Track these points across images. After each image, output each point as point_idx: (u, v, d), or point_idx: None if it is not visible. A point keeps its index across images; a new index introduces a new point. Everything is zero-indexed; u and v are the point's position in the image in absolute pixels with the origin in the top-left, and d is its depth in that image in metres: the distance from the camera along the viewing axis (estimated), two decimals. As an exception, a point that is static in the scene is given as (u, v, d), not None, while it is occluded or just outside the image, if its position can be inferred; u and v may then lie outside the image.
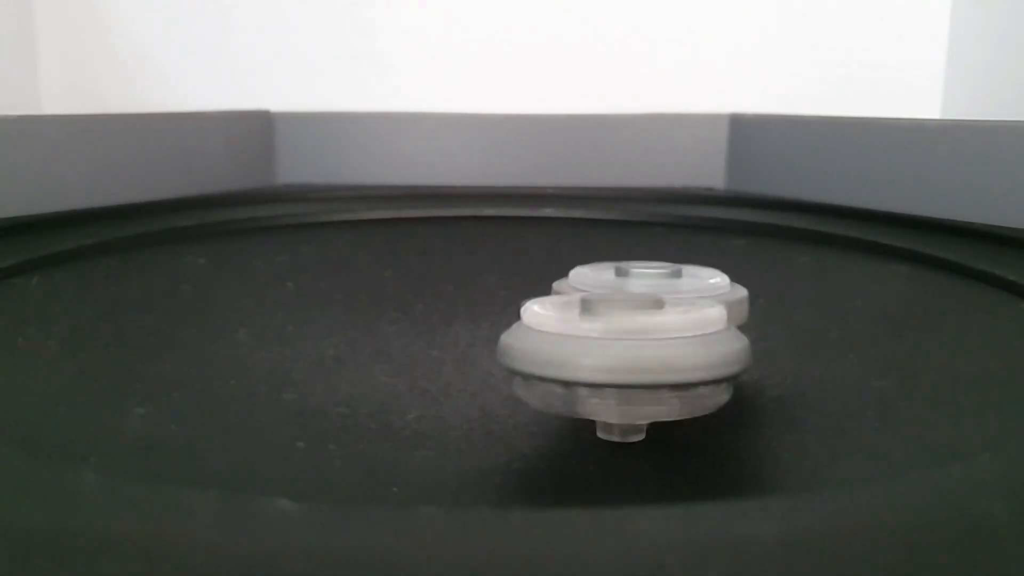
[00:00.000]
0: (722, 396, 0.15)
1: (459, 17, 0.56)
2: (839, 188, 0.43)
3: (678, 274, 0.19)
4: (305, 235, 0.38)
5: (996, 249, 0.34)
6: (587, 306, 0.15)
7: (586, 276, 0.19)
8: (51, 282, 0.29)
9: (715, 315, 0.15)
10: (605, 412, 0.14)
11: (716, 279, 0.19)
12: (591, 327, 0.14)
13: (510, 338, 0.15)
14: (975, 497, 0.12)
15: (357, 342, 0.24)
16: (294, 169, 0.52)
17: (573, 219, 0.43)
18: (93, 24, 0.56)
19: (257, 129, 0.51)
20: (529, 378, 0.15)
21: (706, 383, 0.14)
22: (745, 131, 0.50)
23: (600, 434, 0.15)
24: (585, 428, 0.15)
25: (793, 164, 0.46)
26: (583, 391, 0.14)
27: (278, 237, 0.39)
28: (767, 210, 0.43)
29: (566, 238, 0.40)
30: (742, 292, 0.19)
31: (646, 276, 0.19)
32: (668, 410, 0.14)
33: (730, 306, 0.17)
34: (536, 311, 0.15)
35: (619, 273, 0.19)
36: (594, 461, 0.16)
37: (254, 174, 0.50)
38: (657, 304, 0.15)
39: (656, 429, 0.15)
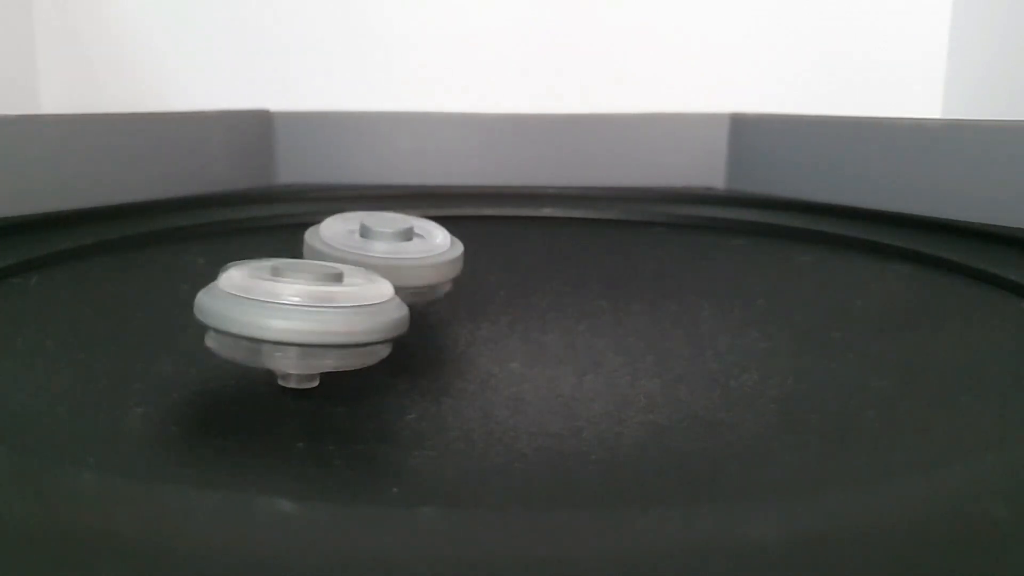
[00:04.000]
0: (381, 352, 0.18)
1: (459, 17, 0.56)
2: (839, 188, 0.43)
3: (410, 235, 0.23)
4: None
5: (996, 249, 0.34)
6: (276, 275, 0.18)
7: (333, 231, 0.23)
8: (51, 282, 0.29)
9: (380, 290, 0.18)
10: (283, 364, 0.18)
11: (439, 239, 0.23)
12: (277, 294, 0.17)
13: (206, 297, 0.18)
14: (975, 497, 0.12)
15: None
16: (294, 169, 0.52)
17: (573, 219, 0.43)
18: (93, 24, 0.56)
19: (257, 129, 0.51)
20: (220, 333, 0.17)
21: (367, 344, 0.17)
22: (745, 131, 0.50)
23: (280, 382, 0.18)
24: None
25: (793, 164, 0.46)
26: (267, 347, 0.17)
27: (278, 237, 0.39)
28: (767, 210, 0.43)
29: (566, 238, 0.40)
30: (458, 250, 0.23)
31: (383, 238, 0.23)
32: (336, 363, 0.18)
33: (445, 263, 0.22)
34: (231, 275, 0.18)
35: (363, 233, 0.23)
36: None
37: (254, 174, 0.50)
38: (337, 278, 0.18)
39: (328, 376, 0.19)
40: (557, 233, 0.41)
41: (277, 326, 0.17)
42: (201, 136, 0.47)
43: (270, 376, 0.20)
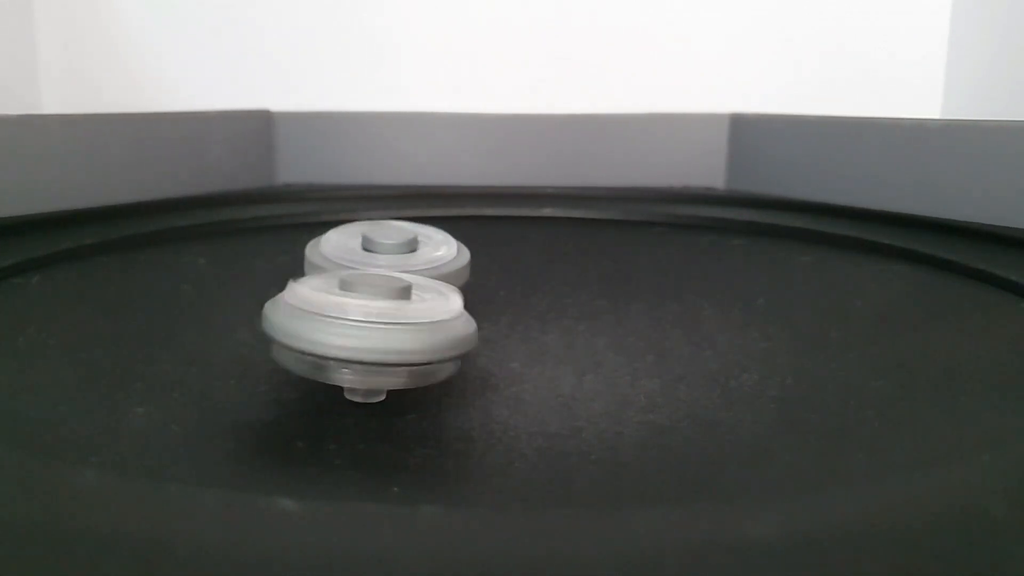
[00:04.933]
0: (448, 371, 0.18)
1: (459, 17, 0.56)
2: (839, 188, 0.43)
3: (414, 246, 0.23)
4: (305, 235, 0.38)
5: (996, 249, 0.34)
6: (345, 288, 0.17)
7: (334, 244, 0.23)
8: (51, 281, 0.29)
9: (448, 306, 0.18)
10: (350, 381, 0.17)
11: (442, 251, 0.23)
12: (346, 309, 0.17)
13: (272, 310, 0.17)
14: (975, 497, 0.12)
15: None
16: (294, 169, 0.52)
17: (573, 219, 0.43)
18: (93, 24, 0.56)
19: (257, 129, 0.51)
20: (286, 348, 0.17)
21: (432, 363, 0.17)
22: (745, 131, 0.50)
23: (347, 395, 0.18)
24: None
25: (793, 164, 0.46)
26: (332, 363, 0.17)
27: (278, 237, 0.39)
28: (767, 210, 0.43)
29: (566, 238, 0.40)
30: (464, 259, 0.23)
31: (387, 250, 0.22)
32: (401, 382, 0.17)
33: (452, 274, 0.22)
34: (298, 289, 0.17)
35: (365, 245, 0.22)
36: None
37: (254, 174, 0.50)
38: (404, 294, 0.18)
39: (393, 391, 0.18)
40: (557, 233, 0.41)
41: (341, 344, 0.16)
42: (201, 136, 0.47)
43: (270, 376, 0.20)
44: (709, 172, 0.52)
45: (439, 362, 0.17)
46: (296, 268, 0.32)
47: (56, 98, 0.56)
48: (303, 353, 0.17)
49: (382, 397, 0.18)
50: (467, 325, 0.18)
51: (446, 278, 0.22)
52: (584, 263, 0.35)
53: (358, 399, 0.18)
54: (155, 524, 0.11)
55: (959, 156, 0.39)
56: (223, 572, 0.10)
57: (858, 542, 0.10)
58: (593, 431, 0.18)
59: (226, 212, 0.41)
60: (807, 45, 0.55)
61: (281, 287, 0.29)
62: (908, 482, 0.13)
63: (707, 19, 0.56)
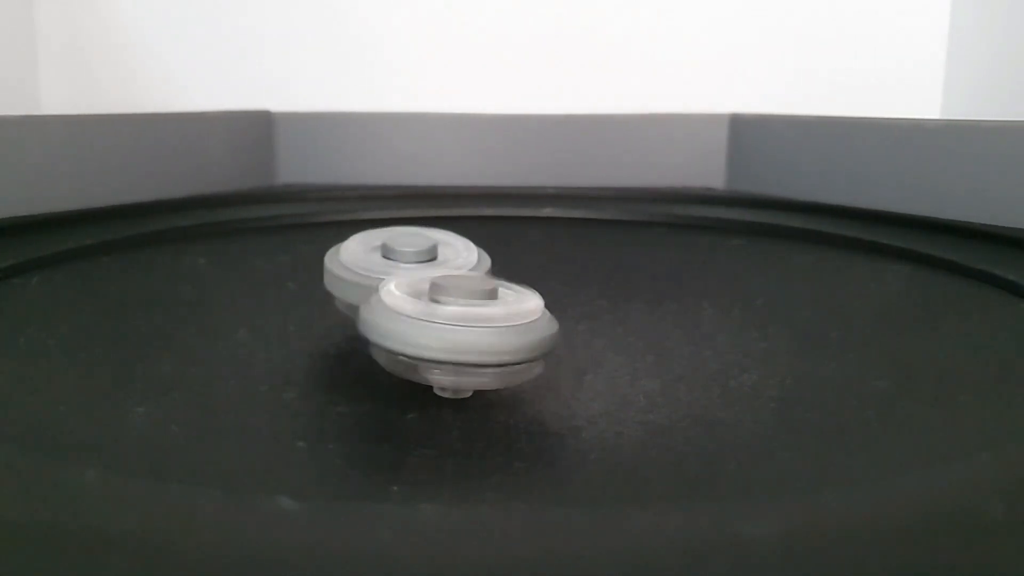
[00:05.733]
0: (534, 371, 0.18)
1: (459, 17, 0.56)
2: (839, 188, 0.43)
3: (434, 254, 0.23)
4: (305, 235, 0.39)
5: (996, 249, 0.34)
6: (435, 292, 0.18)
7: (354, 254, 0.23)
8: (52, 282, 0.29)
9: (533, 307, 0.18)
10: (440, 380, 0.18)
11: (463, 259, 0.23)
12: (436, 314, 0.18)
13: (368, 312, 0.18)
14: (975, 497, 0.12)
15: (357, 340, 0.24)
16: (294, 169, 0.52)
17: (573, 219, 0.43)
18: (93, 24, 0.56)
19: (257, 129, 0.51)
20: (381, 348, 0.18)
21: (518, 363, 0.18)
22: (745, 131, 0.50)
23: (436, 391, 0.19)
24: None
25: (793, 164, 0.46)
26: (424, 364, 0.18)
27: (278, 237, 0.39)
28: (767, 210, 0.43)
29: (566, 238, 0.40)
30: (486, 266, 0.23)
31: (407, 258, 0.22)
32: (488, 381, 0.18)
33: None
34: (392, 291, 0.18)
35: (385, 254, 0.23)
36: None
37: (254, 174, 0.50)
38: (491, 294, 0.18)
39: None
40: (557, 233, 0.41)
41: (433, 345, 0.17)
42: (201, 136, 0.47)
43: (270, 376, 0.21)
44: (709, 172, 0.52)
45: (525, 362, 0.18)
46: (296, 268, 0.32)
47: (56, 98, 0.56)
48: (396, 354, 0.18)
49: (469, 394, 0.19)
50: (550, 326, 0.18)
51: None
52: (584, 263, 0.35)
53: (447, 395, 0.19)
54: (155, 524, 0.11)
55: (959, 156, 0.39)
56: (223, 572, 0.10)
57: (858, 542, 0.10)
58: (593, 431, 0.18)
59: (226, 212, 0.41)
60: (807, 45, 0.55)
61: (281, 287, 0.29)
62: (908, 482, 0.13)
63: (707, 19, 0.56)
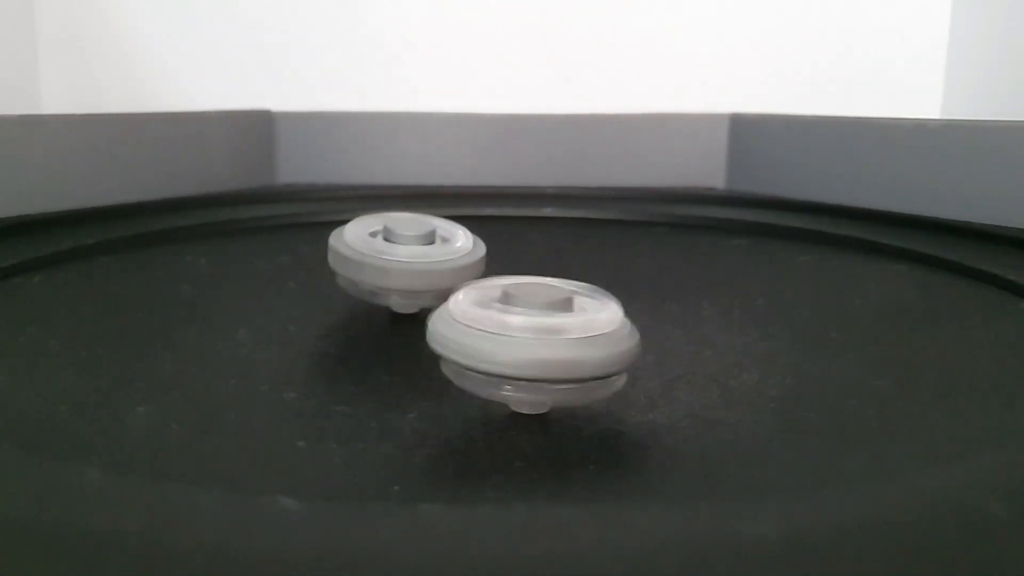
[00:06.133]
0: (615, 386, 0.17)
1: (459, 17, 0.56)
2: (839, 188, 0.43)
3: (432, 238, 0.24)
4: (305, 235, 0.39)
5: (996, 249, 0.34)
6: (507, 302, 0.17)
7: (357, 235, 0.24)
8: (52, 281, 0.29)
9: (611, 316, 0.17)
10: (517, 397, 0.17)
11: (460, 243, 0.24)
12: (509, 325, 0.16)
13: (438, 323, 0.17)
14: (975, 497, 0.12)
15: (358, 341, 0.24)
16: (294, 169, 0.52)
17: (573, 219, 0.43)
18: (93, 24, 0.56)
19: (257, 129, 0.51)
20: (452, 364, 0.17)
21: (597, 378, 0.17)
22: (745, 131, 0.50)
23: (512, 407, 0.18)
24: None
25: (793, 164, 0.46)
26: (498, 379, 0.17)
27: (278, 237, 0.39)
28: (767, 210, 0.43)
29: (566, 238, 0.40)
30: (481, 252, 0.24)
31: (407, 241, 0.23)
32: (569, 398, 0.17)
33: (471, 265, 0.23)
34: (462, 303, 0.17)
35: (386, 236, 0.23)
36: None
37: (254, 174, 0.50)
38: (566, 305, 0.17)
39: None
40: (557, 233, 0.41)
41: (505, 360, 0.16)
42: (201, 136, 0.47)
43: (270, 376, 0.21)
44: (709, 172, 0.52)
45: (604, 377, 0.17)
46: (296, 268, 0.32)
47: (56, 98, 0.56)
48: (467, 369, 0.17)
49: (547, 409, 0.18)
50: (631, 337, 0.17)
51: (465, 270, 0.23)
52: (584, 263, 0.35)
53: (524, 410, 0.18)
54: (155, 524, 0.11)
55: (959, 156, 0.39)
56: (223, 572, 0.10)
57: (858, 542, 0.10)
58: (593, 431, 0.18)
59: (226, 212, 0.41)
60: (807, 45, 0.55)
61: (281, 287, 0.29)
62: (908, 482, 0.13)
63: (707, 19, 0.56)
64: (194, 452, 0.16)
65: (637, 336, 0.17)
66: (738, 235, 0.39)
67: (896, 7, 0.55)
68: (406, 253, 0.23)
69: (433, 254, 0.23)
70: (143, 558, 0.10)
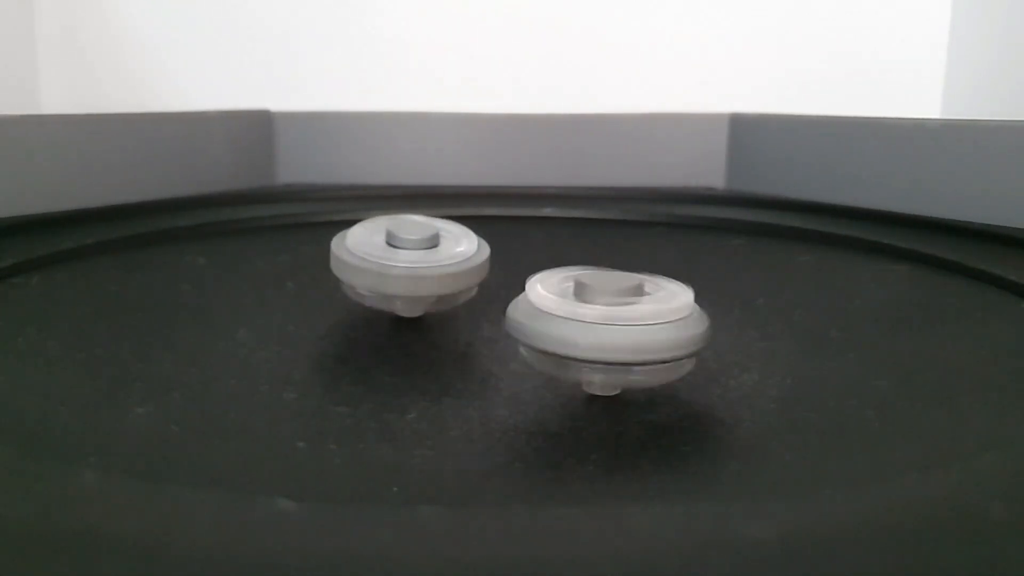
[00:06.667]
0: (684, 368, 0.18)
1: (459, 17, 0.56)
2: (839, 188, 0.43)
3: (436, 241, 0.23)
4: (305, 235, 0.39)
5: (996, 249, 0.34)
6: (581, 290, 0.19)
7: (359, 240, 0.23)
8: (51, 282, 0.29)
9: (682, 303, 0.18)
10: (592, 379, 0.18)
11: (463, 246, 0.23)
12: (585, 312, 0.18)
13: (517, 314, 0.19)
14: (975, 497, 0.12)
15: (358, 341, 0.24)
16: (294, 169, 0.52)
17: (573, 219, 0.43)
18: (93, 24, 0.56)
19: (257, 129, 0.51)
20: (532, 349, 0.18)
21: (670, 360, 0.18)
22: (745, 131, 0.50)
23: (585, 388, 0.19)
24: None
25: (793, 164, 0.46)
26: (574, 363, 0.18)
27: (278, 237, 0.39)
28: (767, 210, 0.43)
29: (567, 238, 0.40)
30: (485, 254, 0.24)
31: (409, 245, 0.23)
32: (641, 380, 0.18)
33: (476, 268, 0.23)
34: (539, 291, 0.19)
35: (388, 240, 0.23)
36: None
37: (254, 174, 0.50)
38: (638, 291, 0.19)
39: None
40: (557, 233, 0.41)
41: (581, 344, 0.17)
42: (201, 136, 0.47)
43: (270, 376, 0.20)
44: (709, 172, 0.52)
45: (674, 360, 0.18)
46: (296, 268, 0.32)
47: (56, 98, 0.56)
48: (546, 353, 0.18)
49: (618, 391, 0.19)
50: (700, 322, 0.18)
51: (470, 273, 0.23)
52: (584, 263, 0.35)
53: (595, 392, 0.19)
54: (155, 524, 0.11)
55: (959, 156, 0.39)
56: (223, 572, 0.10)
57: (858, 542, 0.10)
58: (593, 431, 0.18)
59: (226, 212, 0.41)
60: (807, 45, 0.55)
61: (281, 287, 0.29)
62: (908, 482, 0.13)
63: (707, 19, 0.56)
64: (193, 452, 0.16)
65: (707, 321, 0.18)
66: (738, 235, 0.39)
67: (896, 7, 0.55)
68: (410, 258, 0.23)
69: (438, 258, 0.23)
70: (142, 559, 0.10)
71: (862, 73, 0.55)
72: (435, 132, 0.52)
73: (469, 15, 0.56)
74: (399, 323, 0.25)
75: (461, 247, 0.24)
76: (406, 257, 0.23)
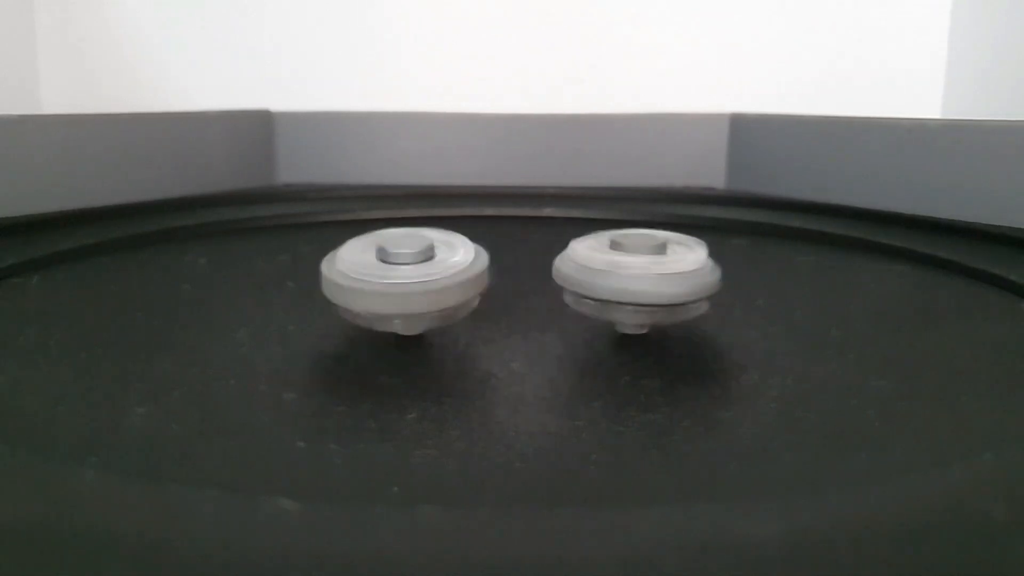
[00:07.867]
0: (701, 309, 0.23)
1: (459, 17, 0.56)
2: (839, 188, 0.43)
3: (430, 254, 0.23)
4: (305, 235, 0.39)
5: (996, 249, 0.34)
6: (616, 247, 0.23)
7: (350, 261, 0.23)
8: (52, 282, 0.29)
9: (698, 257, 0.22)
10: (624, 318, 0.22)
11: (459, 256, 0.23)
12: (619, 263, 0.22)
13: (562, 265, 0.23)
14: (975, 497, 0.12)
15: (358, 341, 0.24)
16: (294, 169, 0.52)
17: (573, 219, 0.43)
18: (93, 24, 0.56)
19: (257, 129, 0.51)
20: (572, 293, 0.23)
21: (687, 303, 0.22)
22: (745, 131, 0.50)
23: (617, 328, 0.23)
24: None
25: (793, 164, 0.46)
26: (611, 305, 0.22)
27: (278, 237, 0.39)
28: (767, 210, 0.43)
29: (566, 238, 0.40)
30: (483, 263, 0.23)
31: (404, 260, 0.22)
32: (665, 317, 0.22)
33: (474, 279, 0.22)
34: (582, 249, 0.23)
35: (381, 256, 0.23)
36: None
37: (254, 174, 0.50)
38: (662, 248, 0.23)
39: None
40: (558, 233, 0.41)
41: (618, 288, 0.21)
42: (201, 136, 0.47)
43: (270, 376, 0.20)
44: (709, 172, 0.52)
45: (692, 302, 0.22)
46: (296, 268, 0.32)
47: (56, 98, 0.56)
48: (588, 298, 0.22)
49: (646, 330, 0.23)
50: (713, 272, 0.22)
51: (468, 284, 0.22)
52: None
53: (627, 331, 0.23)
54: (155, 524, 0.11)
55: (959, 156, 0.39)
56: (223, 572, 0.10)
57: (858, 542, 0.10)
58: (593, 431, 0.18)
59: (226, 212, 0.41)
60: (807, 45, 0.55)
61: (281, 287, 0.29)
62: (908, 482, 0.13)
63: (707, 19, 0.56)
64: (193, 452, 0.16)
65: (719, 272, 0.22)
66: (738, 235, 0.39)
67: (896, 7, 0.55)
68: (405, 274, 0.21)
69: (434, 271, 0.22)
70: (142, 559, 0.10)
71: (862, 73, 0.55)
72: (435, 132, 0.52)
73: (469, 15, 0.56)
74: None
75: (457, 257, 0.23)
76: (402, 273, 0.22)
